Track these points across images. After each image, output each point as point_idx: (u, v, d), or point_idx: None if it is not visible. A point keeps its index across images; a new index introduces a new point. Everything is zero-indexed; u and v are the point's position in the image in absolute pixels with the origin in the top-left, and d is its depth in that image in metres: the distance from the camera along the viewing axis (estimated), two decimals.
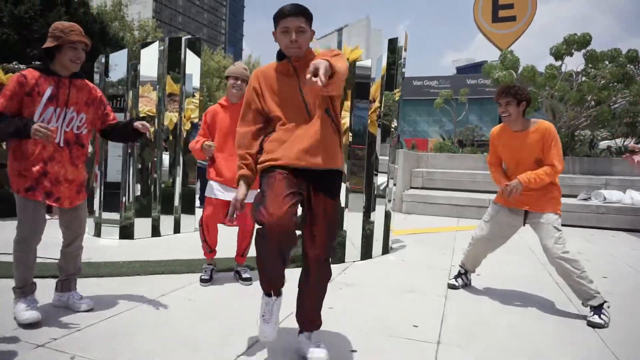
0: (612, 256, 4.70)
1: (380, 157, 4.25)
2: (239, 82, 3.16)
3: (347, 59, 3.79)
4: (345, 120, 4.03)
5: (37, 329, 2.18)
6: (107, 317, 2.41)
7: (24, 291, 2.35)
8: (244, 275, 3.18)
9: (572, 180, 8.06)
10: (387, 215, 4.34)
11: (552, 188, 2.90)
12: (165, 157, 5.21)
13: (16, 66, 13.89)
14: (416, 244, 4.87)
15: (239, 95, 3.17)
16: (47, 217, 2.55)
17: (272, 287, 1.96)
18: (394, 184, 4.49)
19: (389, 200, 4.41)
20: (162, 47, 4.90)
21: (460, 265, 3.38)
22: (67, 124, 2.44)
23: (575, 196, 7.61)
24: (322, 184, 1.96)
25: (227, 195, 3.08)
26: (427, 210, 7.71)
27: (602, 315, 2.61)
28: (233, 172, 2.99)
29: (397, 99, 4.29)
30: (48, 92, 2.35)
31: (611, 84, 8.36)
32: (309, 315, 2.06)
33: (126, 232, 4.58)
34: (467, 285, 3.31)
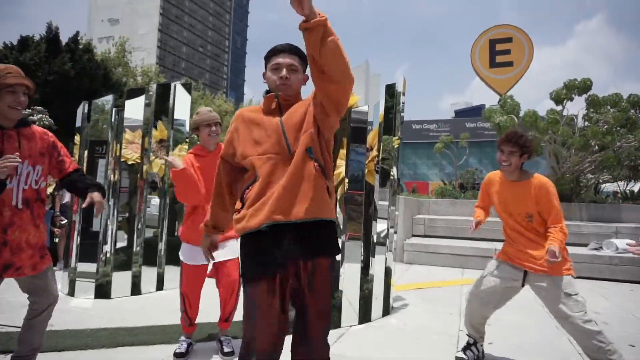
0: (634, 316, 4.29)
1: (379, 203, 3.96)
2: (213, 127, 2.86)
3: None
4: (341, 169, 3.77)
5: None
6: None
7: None
8: (226, 350, 2.77)
9: (580, 228, 7.71)
10: (388, 272, 3.98)
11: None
12: (154, 206, 4.92)
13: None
14: (420, 302, 4.47)
15: (216, 141, 2.89)
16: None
17: None
18: (395, 232, 4.16)
19: (390, 251, 4.07)
20: (150, 93, 4.71)
21: (467, 335, 2.99)
22: (24, 182, 2.12)
23: (584, 245, 7.24)
24: (311, 248, 1.64)
25: (203, 258, 2.67)
26: (429, 260, 7.32)
27: None
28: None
29: (396, 145, 4.05)
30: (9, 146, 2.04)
31: (615, 129, 8.19)
32: None
33: (102, 291, 4.19)
34: (480, 359, 2.91)
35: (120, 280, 4.34)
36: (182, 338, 2.83)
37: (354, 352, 2.96)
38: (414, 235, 8.55)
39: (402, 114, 4.11)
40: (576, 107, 9.18)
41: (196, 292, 2.83)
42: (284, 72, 1.71)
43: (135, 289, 4.40)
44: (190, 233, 2.79)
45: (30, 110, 14.76)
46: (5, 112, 2.08)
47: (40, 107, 16.43)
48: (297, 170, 1.63)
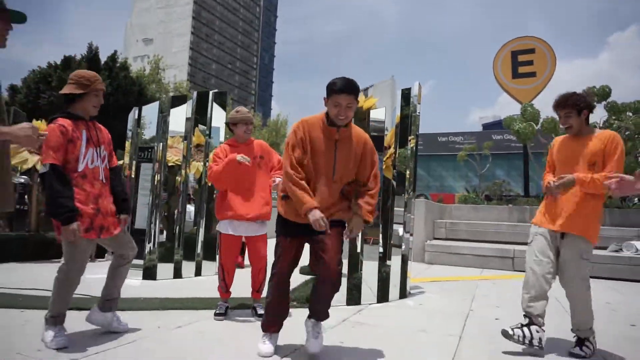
0: None
1: (395, 209, 4.34)
2: (250, 126, 3.40)
3: (362, 107, 4.02)
4: None
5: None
6: (124, 343, 2.51)
7: (56, 321, 2.47)
8: (259, 312, 3.24)
9: (602, 232, 7.80)
10: (404, 260, 4.34)
11: (595, 206, 2.66)
12: (191, 207, 5.44)
13: None
14: (436, 291, 4.80)
15: (246, 137, 3.38)
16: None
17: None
18: (411, 234, 4.52)
19: (405, 247, 4.43)
20: (191, 101, 5.28)
21: (524, 315, 2.75)
22: (102, 161, 2.68)
23: (605, 248, 7.36)
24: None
25: (240, 230, 3.23)
26: (450, 260, 7.59)
27: (584, 347, 2.65)
28: (244, 206, 3.15)
29: (412, 145, 4.44)
30: (84, 136, 2.57)
31: (636, 135, 8.30)
32: (318, 309, 2.51)
33: (149, 273, 4.73)
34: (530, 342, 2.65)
35: (164, 269, 4.86)
36: (220, 302, 3.30)
37: (371, 320, 3.34)
38: (435, 238, 8.83)
39: (416, 114, 4.50)
40: (598, 115, 9.31)
41: (232, 260, 3.30)
42: (343, 110, 2.35)
43: (177, 274, 4.92)
44: (224, 211, 3.27)
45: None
46: (89, 110, 2.65)
47: (63, 111, 17.52)
48: (333, 192, 2.44)
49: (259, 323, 3.07)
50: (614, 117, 8.90)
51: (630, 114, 8.64)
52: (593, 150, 2.67)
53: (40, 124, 5.79)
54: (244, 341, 2.68)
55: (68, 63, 26.15)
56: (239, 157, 3.14)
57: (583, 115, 2.74)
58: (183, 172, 5.26)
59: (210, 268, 5.19)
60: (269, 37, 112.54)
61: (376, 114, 4.05)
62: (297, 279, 4.50)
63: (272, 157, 3.47)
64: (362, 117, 4.02)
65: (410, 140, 4.40)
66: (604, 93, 8.57)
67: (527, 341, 2.61)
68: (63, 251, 2.52)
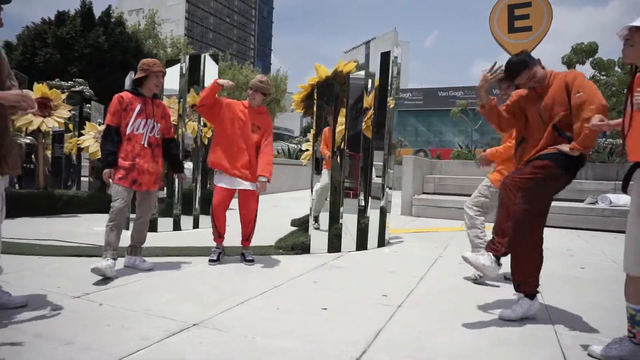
0: (603, 254, 4.92)
1: (375, 163, 4.70)
2: (250, 91, 3.70)
3: (342, 71, 4.29)
4: (342, 127, 4.51)
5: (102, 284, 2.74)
6: (132, 281, 2.96)
7: (107, 254, 3.06)
8: (248, 258, 3.68)
9: (582, 185, 8.21)
10: (382, 212, 4.76)
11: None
12: (189, 164, 5.78)
13: (57, 83, 14.93)
14: (414, 241, 5.25)
15: (254, 103, 3.69)
16: None
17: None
18: (389, 187, 4.90)
19: (384, 201, 4.83)
20: (183, 64, 5.52)
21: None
22: (150, 131, 3.36)
23: (582, 200, 7.78)
24: None
25: (232, 183, 3.60)
26: (436, 213, 8.04)
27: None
28: (234, 163, 3.54)
29: (391, 106, 4.74)
30: (138, 108, 3.28)
31: (621, 91, 8.50)
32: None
33: (150, 226, 5.15)
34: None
35: (165, 222, 5.31)
36: (214, 249, 3.73)
37: (346, 264, 3.80)
38: (424, 193, 9.26)
39: (395, 78, 4.77)
40: (589, 71, 9.45)
41: (223, 209, 3.67)
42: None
43: (176, 226, 5.37)
44: (220, 160, 3.61)
45: (72, 82, 15.88)
46: (151, 88, 3.37)
47: (81, 80, 17.56)
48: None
49: (248, 267, 3.55)
50: (603, 73, 9.06)
51: (619, 69, 8.80)
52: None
53: (42, 87, 6.06)
54: (232, 283, 3.13)
55: (62, 19, 25.75)
56: (219, 81, 3.50)
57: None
58: (180, 130, 5.59)
59: (207, 222, 5.62)
60: None
61: (356, 77, 4.32)
62: (282, 229, 4.95)
63: (266, 132, 3.74)
64: (343, 81, 4.29)
65: (389, 101, 4.70)
66: (590, 49, 8.69)
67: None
68: (112, 192, 3.24)
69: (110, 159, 3.19)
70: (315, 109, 4.19)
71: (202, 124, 5.75)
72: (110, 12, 27.63)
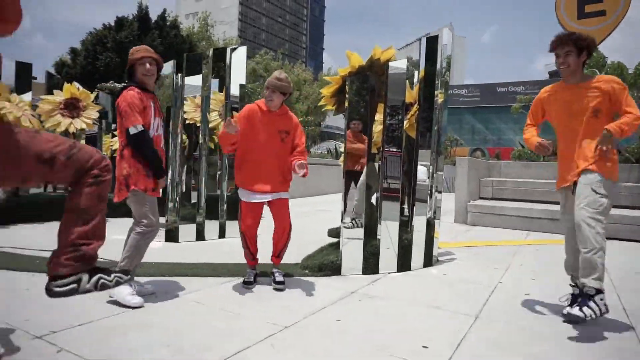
0: None
1: (420, 164, 4.00)
2: (274, 95, 3.05)
3: (379, 59, 3.63)
4: (379, 126, 3.85)
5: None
6: (115, 313, 2.47)
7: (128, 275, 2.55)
8: (277, 279, 3.14)
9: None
10: (430, 224, 4.04)
11: (610, 154, 2.48)
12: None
13: (112, 85, 15.33)
14: (468, 258, 4.48)
15: (272, 105, 3.07)
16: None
17: None
18: (439, 191, 4.18)
19: (432, 210, 4.11)
20: (206, 59, 5.08)
21: (570, 284, 2.77)
22: (163, 132, 2.94)
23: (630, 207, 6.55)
24: None
25: (259, 197, 3.06)
26: (494, 222, 7.13)
27: (586, 307, 2.35)
28: (259, 180, 3.03)
29: (440, 101, 4.01)
30: (152, 105, 2.79)
31: None
32: None
33: (171, 236, 4.75)
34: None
35: (187, 229, 4.88)
36: (249, 270, 3.23)
37: (383, 292, 3.13)
38: (481, 198, 8.33)
39: (445, 68, 4.03)
40: None
41: (254, 228, 3.13)
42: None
43: (200, 236, 4.93)
44: (244, 179, 3.09)
45: (125, 84, 16.24)
46: (141, 80, 2.78)
47: (133, 83, 17.97)
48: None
49: (256, 294, 2.99)
50: None
51: None
52: (595, 98, 2.51)
53: (70, 87, 5.85)
54: (235, 310, 2.57)
55: (121, 24, 26.78)
56: (229, 125, 2.86)
57: (582, 57, 2.56)
58: (202, 130, 5.16)
59: (235, 230, 5.15)
60: None
61: (396, 67, 3.63)
62: (317, 240, 4.34)
63: (297, 137, 3.17)
64: (381, 72, 3.62)
65: (438, 95, 3.97)
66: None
67: (598, 314, 2.37)
68: (136, 210, 2.70)
69: (163, 167, 2.83)
70: (347, 104, 3.55)
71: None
72: (166, 15, 28.43)
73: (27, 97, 5.84)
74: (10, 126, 1.53)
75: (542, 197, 7.70)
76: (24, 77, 5.87)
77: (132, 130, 2.63)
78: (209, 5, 72.69)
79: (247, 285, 3.11)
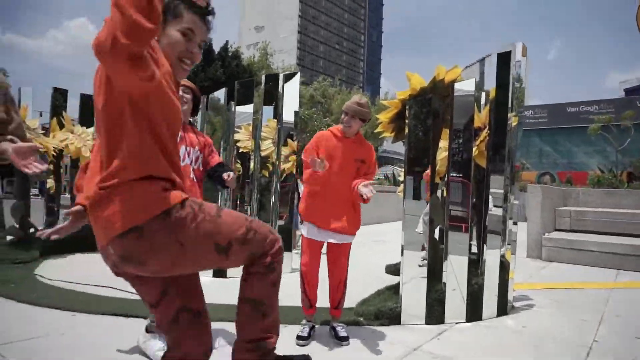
0: None
1: (494, 191, 3.52)
2: (346, 117, 2.79)
3: (444, 80, 3.25)
4: (444, 153, 3.44)
5: None
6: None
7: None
8: (341, 334, 2.76)
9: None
10: (504, 266, 3.51)
11: None
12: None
13: None
14: (549, 305, 3.86)
15: (349, 132, 2.81)
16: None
17: None
18: (514, 223, 3.65)
19: (507, 243, 3.59)
20: (259, 85, 4.94)
21: None
22: (195, 162, 2.66)
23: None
24: None
25: (324, 236, 2.76)
26: (574, 258, 6.32)
27: None
28: (329, 215, 2.72)
29: (514, 124, 3.53)
30: (180, 133, 2.54)
31: None
32: None
33: (219, 270, 4.54)
34: None
35: None
36: (304, 321, 2.86)
37: (450, 351, 2.66)
38: (556, 230, 7.49)
39: (521, 86, 3.57)
40: None
41: (314, 269, 2.82)
42: None
43: None
44: (312, 212, 2.79)
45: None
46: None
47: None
48: None
49: (340, 350, 2.63)
50: None
51: None
52: None
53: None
54: None
55: None
56: (313, 159, 2.59)
57: None
58: (253, 159, 4.98)
59: (286, 264, 4.85)
60: (376, 13, 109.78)
61: (463, 88, 3.22)
62: (363, 286, 3.90)
63: (371, 165, 2.89)
64: (446, 94, 3.23)
65: (511, 118, 3.50)
66: None
67: None
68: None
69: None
70: (407, 131, 3.18)
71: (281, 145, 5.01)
72: (228, 47, 29.77)
73: (91, 128, 6.01)
74: (194, 213, 1.32)
75: (633, 230, 6.77)
76: (87, 109, 6.05)
77: None
78: (269, 35, 75.75)
79: (301, 340, 2.70)
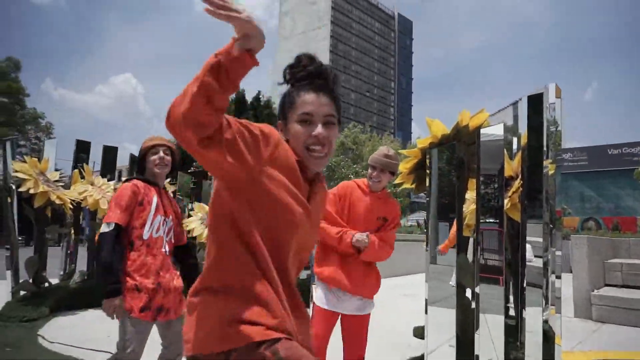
0: None
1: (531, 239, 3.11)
2: (374, 171, 2.55)
3: (468, 126, 2.97)
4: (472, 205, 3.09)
5: None
6: None
7: None
8: None
9: None
10: (548, 335, 3.02)
11: None
12: None
13: (195, 166, 16.13)
14: None
15: (378, 187, 2.57)
16: None
17: None
18: (557, 276, 3.19)
19: (550, 303, 3.12)
20: None
21: None
22: (167, 233, 2.39)
23: None
24: None
25: (341, 306, 2.43)
26: (629, 319, 5.63)
27: None
28: (346, 276, 2.42)
29: (551, 172, 3.16)
30: (155, 201, 2.35)
31: None
32: None
33: None
34: None
35: None
36: None
37: None
38: (607, 285, 6.77)
39: (557, 129, 3.22)
40: None
41: (325, 340, 2.45)
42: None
43: None
44: (332, 274, 2.46)
45: None
46: (152, 171, 2.40)
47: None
48: None
49: None
50: None
51: None
52: None
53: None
54: None
55: None
56: (356, 237, 2.39)
57: None
58: None
59: None
60: (406, 60, 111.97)
61: (490, 133, 2.92)
62: (387, 351, 3.46)
63: (393, 222, 2.63)
64: (471, 141, 2.93)
65: (548, 165, 3.13)
66: None
67: None
68: (119, 334, 2.20)
69: (117, 285, 2.13)
70: (427, 181, 2.87)
71: None
72: (260, 97, 30.77)
73: (113, 181, 6.01)
74: None
75: None
76: (109, 160, 6.08)
77: (103, 228, 2.20)
78: None
79: None
